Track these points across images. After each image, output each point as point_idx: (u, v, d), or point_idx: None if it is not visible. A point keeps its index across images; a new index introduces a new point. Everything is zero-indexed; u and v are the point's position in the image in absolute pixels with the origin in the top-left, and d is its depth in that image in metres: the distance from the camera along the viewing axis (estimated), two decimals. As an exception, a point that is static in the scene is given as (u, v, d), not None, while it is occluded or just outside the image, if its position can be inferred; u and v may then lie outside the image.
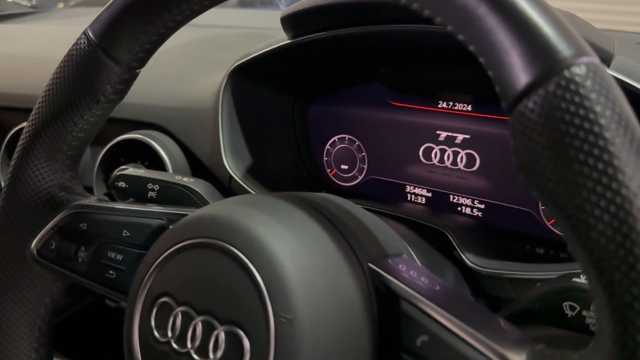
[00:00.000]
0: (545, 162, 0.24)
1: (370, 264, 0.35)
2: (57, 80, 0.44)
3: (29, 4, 1.93)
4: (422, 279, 0.35)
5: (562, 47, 0.24)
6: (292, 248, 0.33)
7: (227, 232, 0.34)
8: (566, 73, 0.24)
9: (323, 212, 0.38)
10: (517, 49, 0.25)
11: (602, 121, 0.23)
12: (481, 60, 0.27)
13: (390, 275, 0.34)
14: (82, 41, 0.43)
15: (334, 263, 0.34)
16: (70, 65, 0.44)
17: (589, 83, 0.24)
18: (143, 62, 0.44)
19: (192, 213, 0.37)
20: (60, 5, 2.05)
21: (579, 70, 0.24)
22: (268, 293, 0.31)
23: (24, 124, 0.85)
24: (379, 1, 0.51)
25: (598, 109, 0.23)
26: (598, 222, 0.23)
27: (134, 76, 0.45)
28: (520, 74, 0.25)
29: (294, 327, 0.30)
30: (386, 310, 0.33)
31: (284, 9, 0.58)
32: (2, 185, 0.89)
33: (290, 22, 0.59)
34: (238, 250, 0.33)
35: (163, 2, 0.40)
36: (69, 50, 0.44)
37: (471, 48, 0.28)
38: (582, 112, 0.23)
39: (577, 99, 0.23)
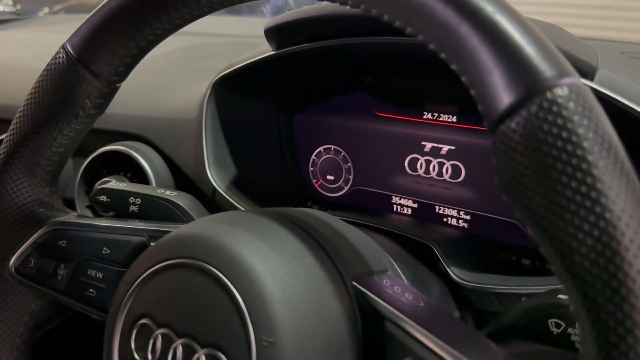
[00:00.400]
0: (527, 182, 0.24)
1: (354, 283, 0.35)
2: (36, 94, 0.43)
3: (13, 9, 1.91)
4: (407, 295, 0.35)
5: (544, 68, 0.24)
6: (274, 267, 0.32)
7: (207, 251, 0.33)
8: (548, 94, 0.24)
9: (306, 229, 0.38)
10: (499, 69, 0.25)
11: (585, 144, 0.23)
12: (463, 79, 0.27)
13: (375, 294, 0.34)
14: (60, 55, 0.42)
15: (317, 282, 0.33)
16: (49, 79, 0.43)
17: (571, 105, 0.23)
18: (123, 76, 0.43)
19: (173, 231, 0.37)
20: (45, 10, 2.03)
21: (561, 91, 0.24)
22: (249, 315, 0.30)
23: (3, 136, 0.84)
24: (362, 15, 0.51)
25: (581, 131, 0.23)
26: (581, 245, 0.22)
27: (114, 90, 0.44)
28: (503, 94, 0.25)
29: (276, 349, 0.30)
30: (371, 331, 0.33)
31: (268, 21, 0.58)
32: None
33: (274, 33, 0.58)
34: (218, 270, 0.32)
35: (144, 16, 0.39)
36: (48, 65, 0.43)
37: (453, 66, 0.28)
38: (564, 134, 0.23)
39: (559, 120, 0.23)
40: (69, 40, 0.42)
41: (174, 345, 0.32)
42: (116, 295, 0.37)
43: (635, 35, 1.05)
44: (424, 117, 0.65)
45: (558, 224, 0.23)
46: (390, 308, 0.32)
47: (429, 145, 0.65)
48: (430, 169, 0.65)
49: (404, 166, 0.67)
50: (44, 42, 1.19)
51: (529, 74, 0.24)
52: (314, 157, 0.74)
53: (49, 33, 1.32)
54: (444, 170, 0.64)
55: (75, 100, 0.43)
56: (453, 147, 0.63)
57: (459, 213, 0.64)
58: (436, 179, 0.65)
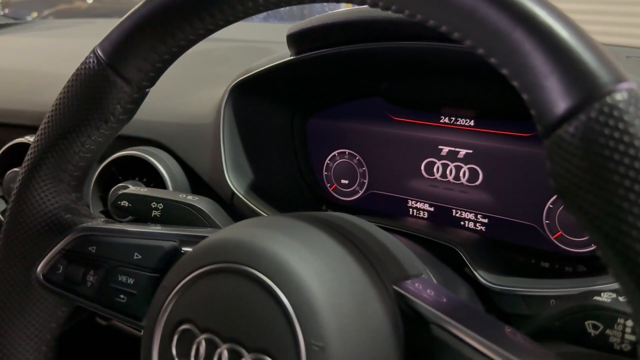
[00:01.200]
0: (588, 187, 0.24)
1: (394, 286, 0.35)
2: (65, 99, 0.43)
3: (1, 13, 1.90)
4: (447, 300, 0.35)
5: (602, 73, 0.25)
6: (318, 271, 0.32)
7: (251, 256, 0.33)
8: (608, 99, 0.24)
9: (342, 232, 0.38)
10: (556, 73, 0.25)
11: None
12: (515, 83, 0.27)
13: (416, 297, 0.34)
14: (91, 59, 0.42)
15: (360, 286, 0.33)
16: (79, 84, 0.43)
17: (632, 109, 0.24)
18: (153, 81, 0.43)
19: (212, 236, 0.36)
20: (34, 14, 2.03)
21: (620, 96, 0.24)
22: (298, 319, 0.30)
23: (17, 141, 0.84)
24: (386, 20, 0.51)
25: None
26: None
27: (143, 95, 0.44)
28: (560, 99, 0.25)
29: (325, 354, 0.29)
30: (415, 335, 0.33)
31: (291, 26, 0.58)
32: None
33: (297, 38, 0.58)
34: (264, 275, 0.32)
35: (176, 21, 0.39)
36: (77, 69, 0.43)
37: (504, 71, 0.28)
38: (626, 138, 0.23)
39: (620, 125, 0.23)
40: (99, 44, 0.42)
41: (218, 350, 0.32)
42: (154, 301, 0.36)
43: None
44: (441, 121, 0.65)
45: (621, 228, 0.23)
46: (435, 311, 0.32)
47: (445, 149, 0.65)
48: (447, 172, 0.65)
49: (420, 170, 0.67)
50: (45, 47, 1.19)
51: (587, 78, 0.25)
52: (328, 162, 0.74)
53: (49, 38, 1.32)
54: (461, 174, 0.65)
55: (105, 105, 0.42)
56: (470, 151, 0.63)
57: (476, 216, 0.64)
58: (453, 182, 0.65)
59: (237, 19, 0.39)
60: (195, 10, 0.38)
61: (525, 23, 0.26)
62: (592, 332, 0.36)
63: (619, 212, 0.23)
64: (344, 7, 0.48)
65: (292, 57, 0.61)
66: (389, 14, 0.50)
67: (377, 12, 0.53)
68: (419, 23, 0.30)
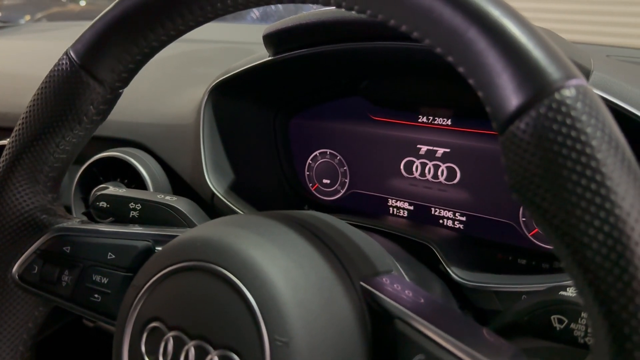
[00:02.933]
0: (538, 181, 0.25)
1: (362, 283, 0.35)
2: (38, 100, 0.43)
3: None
4: (412, 294, 0.35)
5: (552, 70, 0.25)
6: (285, 268, 0.33)
7: (219, 254, 0.33)
8: (557, 95, 0.24)
9: (312, 230, 0.38)
10: (508, 71, 0.26)
11: (594, 142, 0.24)
12: (471, 81, 0.28)
13: (383, 293, 0.34)
14: (64, 61, 0.42)
15: (327, 283, 0.34)
16: (52, 85, 0.43)
17: (579, 105, 0.24)
18: (126, 82, 0.43)
19: (181, 235, 0.37)
20: (27, 18, 2.02)
21: (569, 92, 0.24)
22: (262, 315, 0.31)
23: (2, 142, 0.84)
24: (360, 21, 0.52)
25: (589, 130, 0.24)
26: (592, 241, 0.23)
27: (117, 96, 0.44)
28: (512, 96, 0.26)
29: (289, 349, 0.30)
30: (380, 330, 0.33)
31: (267, 27, 0.58)
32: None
33: (273, 39, 0.59)
34: (230, 272, 0.32)
35: (147, 22, 0.39)
36: (50, 71, 0.43)
37: (460, 69, 0.28)
38: (573, 133, 0.24)
39: (568, 121, 0.24)
40: (72, 46, 0.42)
41: (185, 347, 0.32)
42: (125, 299, 0.37)
43: (620, 39, 1.07)
44: (419, 120, 0.66)
45: (569, 221, 0.24)
46: (400, 307, 0.33)
47: (424, 148, 0.66)
48: (426, 171, 0.66)
49: (400, 169, 0.68)
50: (35, 50, 1.19)
51: (537, 76, 0.25)
52: (310, 161, 0.75)
53: (40, 41, 1.32)
54: (439, 173, 0.65)
55: (78, 106, 0.43)
56: (448, 150, 0.64)
57: (454, 214, 0.65)
58: (432, 181, 0.66)
59: (207, 19, 0.39)
60: (166, 11, 0.38)
61: (478, 22, 0.27)
62: (558, 326, 0.37)
63: (568, 205, 0.24)
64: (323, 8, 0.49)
65: (270, 58, 0.61)
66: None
67: (350, 13, 0.54)
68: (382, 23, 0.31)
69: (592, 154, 0.23)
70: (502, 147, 0.26)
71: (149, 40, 0.40)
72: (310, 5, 0.37)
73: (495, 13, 0.27)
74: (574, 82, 0.25)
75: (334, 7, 0.34)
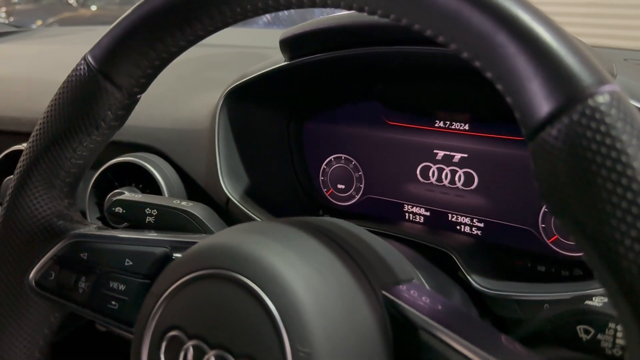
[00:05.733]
0: (571, 190, 0.24)
1: (384, 292, 0.35)
2: (56, 106, 0.43)
3: (6, 21, 1.91)
4: (435, 304, 0.35)
5: (585, 75, 0.24)
6: (306, 276, 0.32)
7: (239, 262, 0.33)
8: (590, 102, 0.24)
9: (332, 237, 0.38)
10: (539, 76, 0.25)
11: (630, 150, 0.23)
12: (499, 86, 0.27)
13: (406, 302, 0.34)
14: (81, 67, 0.42)
15: (349, 291, 0.33)
16: (70, 90, 0.43)
17: (613, 112, 0.23)
18: (144, 87, 0.43)
19: (200, 242, 0.36)
20: (39, 22, 2.04)
21: (602, 99, 0.24)
22: (284, 324, 0.30)
23: (14, 148, 0.84)
24: (378, 25, 0.51)
25: (625, 137, 0.23)
26: (628, 252, 0.23)
27: (134, 101, 0.44)
28: (543, 102, 0.25)
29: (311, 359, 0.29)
30: (404, 340, 0.33)
31: (283, 32, 0.58)
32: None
33: (290, 44, 0.58)
34: (251, 280, 0.32)
35: (165, 27, 0.39)
36: (68, 76, 0.43)
37: (488, 74, 0.28)
38: (608, 141, 0.23)
39: (602, 128, 0.23)
40: (90, 51, 0.42)
41: (206, 356, 0.32)
42: (143, 307, 0.36)
43: (635, 43, 1.06)
44: (436, 125, 0.65)
45: (604, 231, 0.23)
46: (424, 317, 0.32)
47: (441, 154, 0.65)
48: (443, 176, 0.65)
49: (416, 174, 0.67)
50: (49, 54, 1.19)
51: (569, 81, 0.24)
52: (325, 166, 0.74)
53: (53, 45, 1.32)
54: (456, 178, 0.64)
55: (96, 111, 0.42)
56: (465, 155, 0.63)
57: (472, 220, 0.64)
58: (449, 186, 0.65)
59: (225, 25, 0.39)
60: (185, 16, 0.38)
61: (507, 26, 0.26)
62: (584, 336, 0.36)
63: (602, 214, 0.23)
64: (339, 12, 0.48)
65: (285, 63, 0.61)
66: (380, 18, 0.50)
67: (369, 17, 0.53)
68: (406, 28, 0.30)
69: (628, 162, 0.23)
70: (532, 154, 0.26)
71: (166, 45, 0.40)
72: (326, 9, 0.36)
73: (525, 17, 0.26)
74: (607, 88, 0.24)
75: (353, 11, 0.33)
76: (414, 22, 0.30)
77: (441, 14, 0.28)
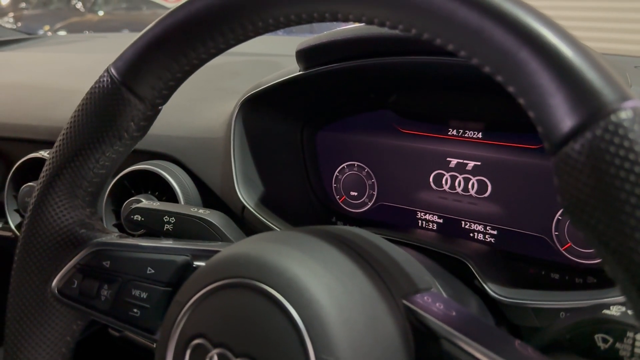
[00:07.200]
0: (595, 204, 0.25)
1: (404, 301, 0.35)
2: (79, 117, 0.44)
3: (14, 27, 1.92)
4: (455, 314, 0.35)
5: (607, 91, 0.25)
6: (329, 286, 0.33)
7: (263, 271, 0.33)
8: (613, 117, 0.24)
9: (352, 246, 0.38)
10: (562, 91, 0.26)
11: None
12: (521, 101, 0.28)
13: (426, 312, 0.34)
14: (104, 78, 0.43)
15: (371, 301, 0.34)
16: (93, 102, 0.44)
17: (637, 128, 0.24)
18: (166, 98, 0.44)
19: (223, 251, 0.37)
20: (46, 28, 2.05)
21: (625, 115, 0.24)
22: (308, 334, 0.31)
23: (31, 156, 0.85)
24: (394, 36, 0.52)
25: None
26: None
27: (156, 112, 0.45)
28: (566, 117, 0.26)
29: None
30: (425, 349, 0.33)
31: (301, 42, 0.59)
32: (8, 216, 0.88)
33: (307, 54, 0.59)
34: (274, 290, 0.32)
35: (189, 41, 0.40)
36: (91, 87, 0.44)
37: (510, 89, 0.28)
38: (632, 156, 0.24)
39: (626, 143, 0.24)
40: (113, 64, 0.43)
41: (231, 364, 0.33)
42: (167, 315, 0.37)
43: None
44: (449, 133, 0.66)
45: (627, 245, 0.24)
46: (445, 326, 0.33)
47: (454, 162, 0.65)
48: (456, 184, 0.66)
49: (429, 182, 0.68)
50: (60, 62, 1.21)
51: (592, 97, 0.25)
52: (337, 174, 0.75)
53: (64, 53, 1.34)
54: (469, 186, 0.65)
55: (119, 123, 0.43)
56: (479, 163, 0.64)
57: (485, 228, 0.65)
58: (462, 194, 0.66)
59: (247, 38, 0.39)
60: (208, 30, 0.39)
61: (530, 43, 0.27)
62: (602, 345, 0.37)
63: (626, 229, 0.24)
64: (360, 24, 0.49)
65: (301, 72, 0.62)
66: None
67: (386, 29, 0.54)
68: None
69: None
70: (556, 168, 0.26)
71: (189, 58, 0.41)
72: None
73: (547, 34, 0.26)
74: (630, 103, 0.25)
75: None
76: (435, 36, 0.30)
77: (463, 29, 0.29)
